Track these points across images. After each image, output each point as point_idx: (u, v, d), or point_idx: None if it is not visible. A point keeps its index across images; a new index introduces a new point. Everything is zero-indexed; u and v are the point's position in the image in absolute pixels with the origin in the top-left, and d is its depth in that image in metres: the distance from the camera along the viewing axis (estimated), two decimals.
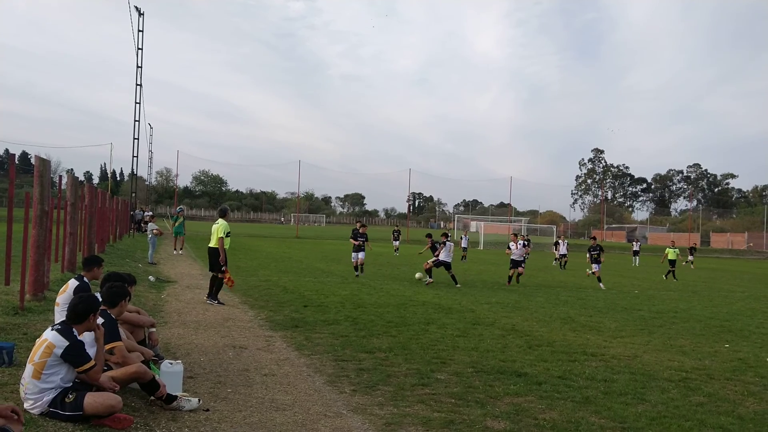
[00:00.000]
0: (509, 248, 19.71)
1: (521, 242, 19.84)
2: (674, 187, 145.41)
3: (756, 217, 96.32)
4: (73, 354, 4.56)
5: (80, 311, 4.73)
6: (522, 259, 19.54)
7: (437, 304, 12.97)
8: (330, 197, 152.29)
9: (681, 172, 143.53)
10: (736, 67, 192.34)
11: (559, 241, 31.29)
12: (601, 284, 19.54)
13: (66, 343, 4.55)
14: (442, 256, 18.00)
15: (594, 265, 20.61)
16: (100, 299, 5.29)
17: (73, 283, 6.31)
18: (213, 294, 11.57)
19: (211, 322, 9.60)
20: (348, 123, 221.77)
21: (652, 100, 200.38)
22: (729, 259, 56.62)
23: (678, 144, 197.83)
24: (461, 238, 36.36)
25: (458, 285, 17.48)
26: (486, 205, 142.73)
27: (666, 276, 25.87)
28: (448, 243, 18.20)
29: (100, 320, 5.01)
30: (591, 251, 21.02)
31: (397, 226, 42.94)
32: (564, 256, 30.37)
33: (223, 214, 11.92)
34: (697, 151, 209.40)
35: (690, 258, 38.21)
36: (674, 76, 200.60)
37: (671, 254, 26.45)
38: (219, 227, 11.58)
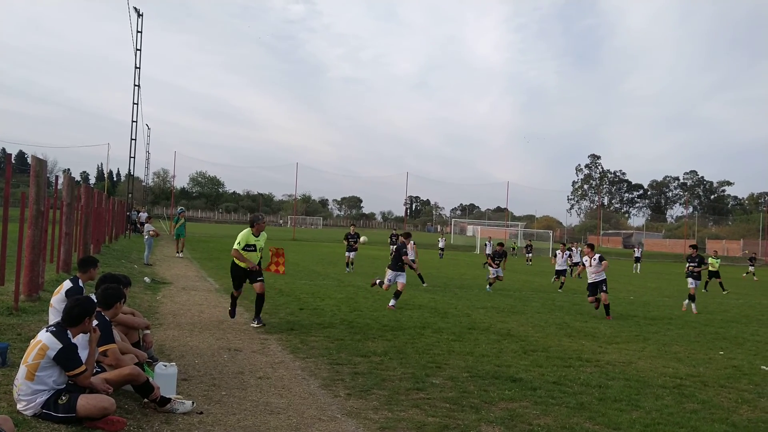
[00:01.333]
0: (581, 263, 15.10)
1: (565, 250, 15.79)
2: (670, 193, 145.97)
3: (752, 224, 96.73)
4: (66, 357, 4.55)
5: (76, 314, 4.72)
6: (600, 279, 13.75)
7: (433, 308, 12.96)
8: (327, 200, 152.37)
9: (677, 178, 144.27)
10: (733, 74, 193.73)
11: (573, 248, 29.02)
12: (693, 305, 15.62)
13: (59, 345, 4.54)
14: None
15: (690, 281, 16.17)
16: (95, 301, 5.27)
17: (67, 284, 6.29)
18: (256, 314, 9.63)
19: (206, 325, 9.58)
20: (346, 125, 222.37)
21: (650, 106, 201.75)
22: (724, 266, 56.71)
23: (674, 150, 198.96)
24: (486, 245, 35.47)
25: (425, 284, 18.52)
26: (483, 209, 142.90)
27: (705, 288, 24.08)
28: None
29: (94, 322, 4.99)
30: (688, 262, 16.60)
31: (394, 230, 42.81)
32: (577, 264, 27.98)
33: (250, 223, 9.78)
34: (693, 158, 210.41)
35: (750, 269, 36.51)
36: (672, 82, 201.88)
37: (713, 264, 25.09)
38: (238, 236, 9.65)
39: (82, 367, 4.62)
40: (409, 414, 5.59)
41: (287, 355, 7.77)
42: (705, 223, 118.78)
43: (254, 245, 9.69)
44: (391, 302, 12.72)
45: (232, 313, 9.97)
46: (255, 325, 9.45)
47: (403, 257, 13.31)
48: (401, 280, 13.08)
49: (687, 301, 15.99)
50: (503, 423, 5.47)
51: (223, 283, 15.65)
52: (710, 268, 24.89)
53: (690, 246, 17.68)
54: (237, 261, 9.52)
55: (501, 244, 19.59)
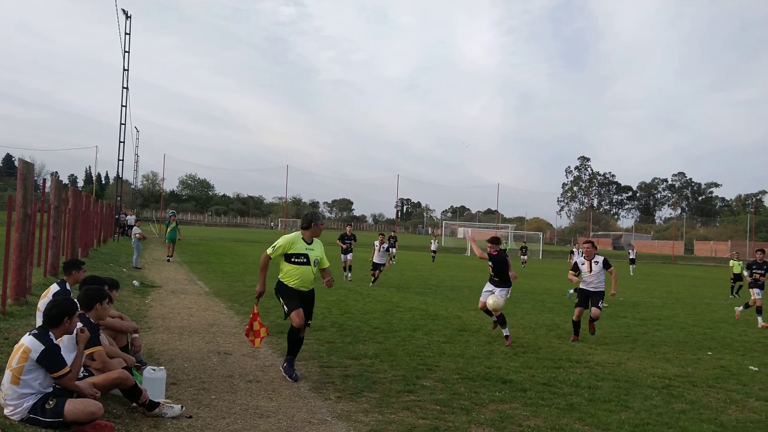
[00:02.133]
0: (576, 270, 10.58)
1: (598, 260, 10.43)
2: (659, 195, 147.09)
3: (739, 225, 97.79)
4: (48, 358, 4.51)
5: (54, 315, 4.69)
6: (600, 290, 10.37)
7: (424, 311, 12.97)
8: (318, 202, 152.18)
9: (666, 180, 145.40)
10: (722, 77, 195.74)
11: (574, 250, 28.29)
12: (760, 318, 13.66)
13: (42, 347, 4.51)
14: (375, 259, 18.75)
15: (755, 291, 14.04)
16: (75, 302, 5.22)
17: (54, 287, 6.24)
18: (290, 354, 6.87)
19: (196, 328, 9.53)
20: (337, 128, 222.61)
21: (639, 108, 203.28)
22: (712, 267, 57.23)
23: (663, 153, 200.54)
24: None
25: (372, 284, 18.20)
26: (473, 211, 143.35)
27: (735, 293, 22.70)
28: (375, 243, 19.00)
29: (79, 325, 4.95)
30: (753, 269, 14.38)
31: (393, 232, 42.11)
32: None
33: (305, 224, 7.03)
34: (681, 160, 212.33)
35: None
36: (661, 85, 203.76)
37: (736, 267, 23.27)
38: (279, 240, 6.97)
39: (66, 369, 4.58)
40: (399, 416, 5.59)
41: (277, 358, 7.74)
42: (693, 224, 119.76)
43: (305, 255, 6.79)
44: (505, 331, 9.76)
45: (290, 369, 6.70)
46: (283, 373, 6.71)
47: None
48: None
49: (740, 308, 14.76)
50: (493, 425, 5.48)
51: (213, 286, 15.58)
52: (733, 271, 23.53)
53: (757, 251, 14.74)
54: (282, 270, 6.90)
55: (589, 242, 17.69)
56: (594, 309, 10.20)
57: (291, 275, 6.81)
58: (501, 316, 9.86)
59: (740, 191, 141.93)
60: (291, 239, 6.82)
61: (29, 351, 4.51)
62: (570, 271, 10.70)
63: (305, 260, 6.80)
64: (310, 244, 6.90)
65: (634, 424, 5.70)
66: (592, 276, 10.34)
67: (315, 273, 6.93)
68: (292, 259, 6.77)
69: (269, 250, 6.85)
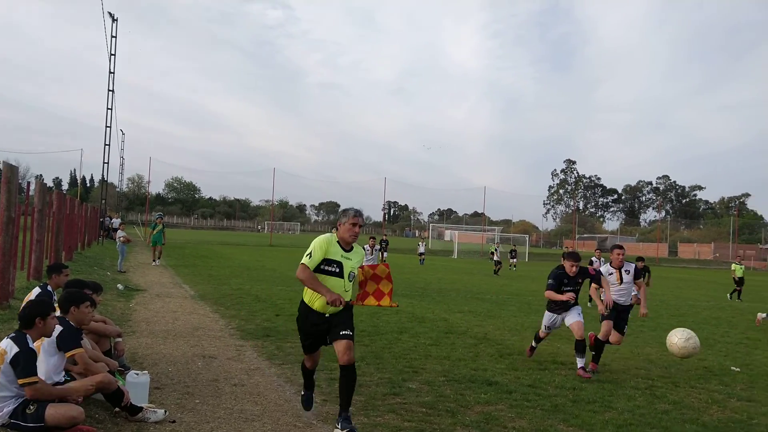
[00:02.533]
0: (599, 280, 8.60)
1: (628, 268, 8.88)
2: (644, 198, 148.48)
3: (722, 228, 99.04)
4: (20, 361, 4.42)
5: (25, 315, 4.65)
6: (628, 304, 8.86)
7: (410, 313, 12.98)
8: (305, 205, 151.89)
9: (650, 183, 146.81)
10: (706, 81, 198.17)
11: (594, 258, 25.48)
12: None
13: (16, 349, 4.45)
14: (366, 262, 18.33)
15: None
16: (49, 303, 5.15)
17: (36, 291, 6.19)
18: (306, 390, 5.79)
19: (181, 332, 9.46)
20: (325, 131, 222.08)
21: (624, 112, 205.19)
22: (696, 269, 57.88)
23: (648, 156, 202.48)
24: (494, 251, 35.06)
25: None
26: (460, 214, 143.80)
27: (731, 295, 22.75)
28: (366, 247, 18.42)
29: (58, 329, 4.89)
30: None
31: (385, 235, 41.63)
32: None
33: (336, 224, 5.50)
34: (666, 163, 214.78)
35: None
36: (646, 89, 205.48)
37: (738, 271, 22.80)
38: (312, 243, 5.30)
39: (34, 378, 4.47)
40: (385, 419, 5.59)
41: (263, 361, 7.71)
42: (677, 226, 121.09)
43: (338, 263, 5.28)
44: (581, 364, 7.93)
45: (307, 402, 5.71)
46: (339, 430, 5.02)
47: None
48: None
49: (764, 315, 14.00)
50: (479, 426, 5.50)
51: (199, 289, 15.48)
52: (736, 275, 22.94)
53: None
54: (307, 289, 5.37)
55: (641, 259, 14.35)
56: (617, 334, 8.68)
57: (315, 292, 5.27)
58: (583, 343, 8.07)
59: (724, 194, 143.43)
60: (327, 240, 5.27)
61: (4, 353, 4.46)
62: (592, 285, 8.64)
63: (337, 269, 5.25)
64: (348, 251, 5.34)
65: (618, 425, 5.76)
66: (622, 289, 8.77)
67: (347, 288, 5.33)
68: (322, 266, 5.24)
69: (305, 260, 5.19)
